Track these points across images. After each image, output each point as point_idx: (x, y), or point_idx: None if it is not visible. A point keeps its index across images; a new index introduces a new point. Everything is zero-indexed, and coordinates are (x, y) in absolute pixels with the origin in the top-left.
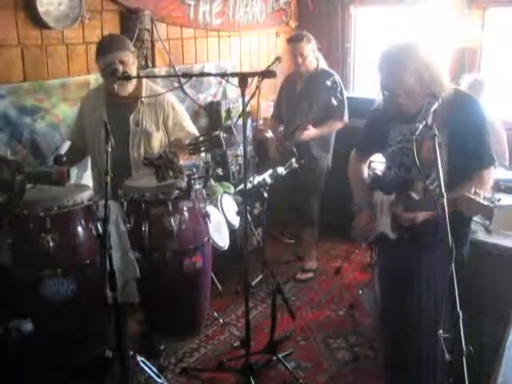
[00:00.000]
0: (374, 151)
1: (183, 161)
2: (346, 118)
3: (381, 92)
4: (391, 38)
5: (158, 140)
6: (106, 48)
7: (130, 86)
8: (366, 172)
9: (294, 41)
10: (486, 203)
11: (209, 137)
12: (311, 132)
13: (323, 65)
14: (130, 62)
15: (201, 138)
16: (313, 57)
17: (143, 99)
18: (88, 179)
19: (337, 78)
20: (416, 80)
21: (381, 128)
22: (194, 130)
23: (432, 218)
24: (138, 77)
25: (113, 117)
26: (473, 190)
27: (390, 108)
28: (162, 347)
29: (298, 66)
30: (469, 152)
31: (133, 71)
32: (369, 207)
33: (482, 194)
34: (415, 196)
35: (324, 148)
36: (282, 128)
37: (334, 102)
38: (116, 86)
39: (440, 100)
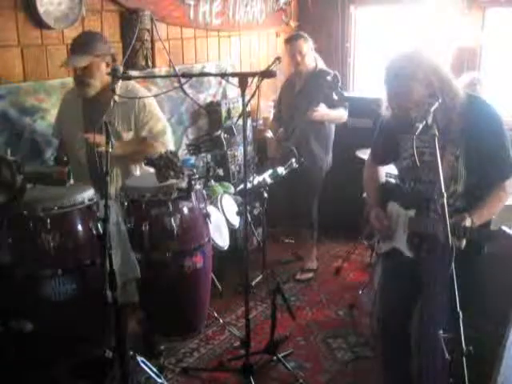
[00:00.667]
0: (389, 161)
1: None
2: (347, 111)
3: (389, 106)
4: (390, 38)
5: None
6: (72, 48)
7: (93, 89)
8: (383, 177)
9: (291, 40)
10: None
11: (210, 137)
12: (323, 110)
13: (322, 65)
14: (95, 65)
15: (202, 139)
16: (311, 56)
17: (116, 98)
18: None
19: (337, 73)
20: (426, 88)
21: (391, 139)
22: (164, 139)
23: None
24: (138, 77)
25: (87, 117)
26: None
27: (401, 120)
28: (162, 347)
29: (297, 65)
30: (488, 162)
31: (101, 74)
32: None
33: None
34: (463, 222)
35: (324, 148)
36: (281, 129)
37: (335, 96)
38: (116, 87)
39: (452, 106)
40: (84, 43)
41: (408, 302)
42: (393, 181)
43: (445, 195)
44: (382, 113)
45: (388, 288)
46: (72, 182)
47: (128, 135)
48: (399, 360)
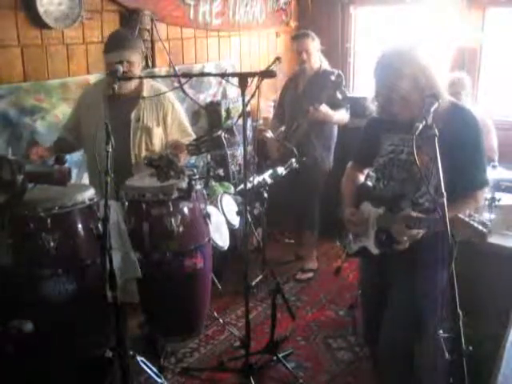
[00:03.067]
0: (369, 161)
1: (183, 161)
2: (349, 112)
3: (375, 98)
4: (390, 38)
5: (158, 136)
6: (117, 43)
7: (132, 84)
8: (361, 180)
9: (299, 37)
10: (480, 227)
11: (210, 137)
12: (325, 109)
13: (326, 66)
14: (137, 62)
15: (202, 139)
16: (317, 56)
17: (145, 96)
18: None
19: (341, 73)
20: (412, 85)
21: (374, 137)
22: (191, 132)
23: (425, 234)
24: (138, 77)
25: (114, 114)
26: (467, 213)
27: (384, 116)
28: (162, 347)
29: (303, 63)
30: (461, 170)
31: (137, 72)
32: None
33: (477, 218)
34: (415, 214)
35: (325, 148)
36: (282, 128)
37: (339, 96)
38: (116, 87)
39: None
40: (129, 39)
41: (381, 305)
42: (369, 183)
43: (445, 195)
44: (369, 107)
45: (364, 289)
46: (73, 181)
47: (158, 130)
48: (386, 364)
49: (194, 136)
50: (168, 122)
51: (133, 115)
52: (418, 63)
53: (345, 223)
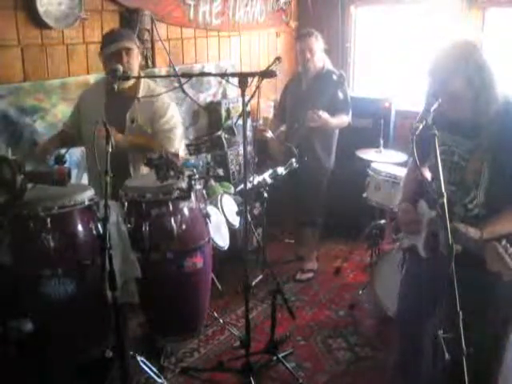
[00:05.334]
0: (427, 158)
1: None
2: (350, 115)
3: (428, 96)
4: (390, 38)
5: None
6: (114, 36)
7: (130, 81)
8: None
9: (303, 36)
10: (511, 264)
11: (210, 137)
12: (324, 116)
13: (329, 66)
14: (135, 52)
15: (202, 139)
16: (320, 55)
17: (140, 97)
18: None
19: (343, 73)
20: (464, 83)
21: (426, 134)
22: (177, 144)
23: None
24: (138, 77)
25: (111, 114)
26: (503, 243)
27: (438, 115)
28: (162, 347)
29: (306, 62)
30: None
31: (135, 67)
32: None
33: (511, 250)
34: (460, 227)
35: (327, 148)
36: (283, 128)
37: (341, 95)
38: (116, 86)
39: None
40: (125, 33)
41: (427, 302)
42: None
43: (445, 195)
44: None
45: (408, 287)
46: (72, 181)
47: (152, 132)
48: (415, 361)
49: (176, 150)
50: (155, 126)
51: (127, 116)
52: (474, 61)
53: (399, 216)
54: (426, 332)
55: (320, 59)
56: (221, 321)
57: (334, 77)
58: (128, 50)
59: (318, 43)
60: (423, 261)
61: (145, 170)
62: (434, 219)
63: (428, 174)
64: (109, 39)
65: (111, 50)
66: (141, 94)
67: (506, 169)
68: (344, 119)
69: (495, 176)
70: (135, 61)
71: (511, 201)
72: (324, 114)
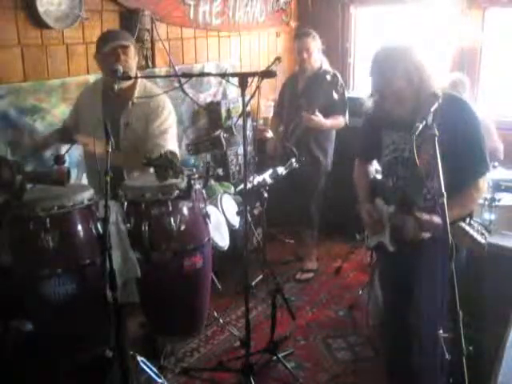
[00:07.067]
0: (374, 157)
1: None
2: (347, 115)
3: (370, 95)
4: (390, 37)
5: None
6: (109, 36)
7: (126, 82)
8: (371, 174)
9: (300, 36)
10: (479, 238)
11: (209, 137)
12: (318, 118)
13: (326, 66)
14: (132, 52)
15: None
16: (317, 55)
17: (134, 99)
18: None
19: (337, 73)
20: (405, 82)
21: (374, 134)
22: (171, 146)
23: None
24: (138, 77)
25: (107, 116)
26: (467, 220)
27: (381, 113)
28: (162, 347)
29: (303, 62)
30: (462, 160)
31: (133, 65)
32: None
33: (476, 226)
34: (422, 216)
35: (323, 149)
36: (282, 127)
37: (335, 95)
38: (116, 87)
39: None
40: (120, 32)
41: (403, 297)
42: (379, 177)
43: (445, 195)
44: (366, 104)
45: (383, 284)
46: (72, 181)
47: (145, 135)
48: (400, 358)
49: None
50: (149, 128)
51: (121, 119)
52: (412, 60)
53: (362, 218)
54: (409, 327)
55: (317, 59)
56: (221, 321)
57: (328, 77)
58: (125, 49)
59: (315, 43)
60: (391, 256)
61: (137, 173)
62: (392, 214)
63: (374, 170)
64: (104, 39)
65: (107, 49)
66: (137, 94)
67: (455, 154)
68: (340, 120)
69: (445, 165)
70: (133, 60)
71: (461, 183)
72: (317, 116)
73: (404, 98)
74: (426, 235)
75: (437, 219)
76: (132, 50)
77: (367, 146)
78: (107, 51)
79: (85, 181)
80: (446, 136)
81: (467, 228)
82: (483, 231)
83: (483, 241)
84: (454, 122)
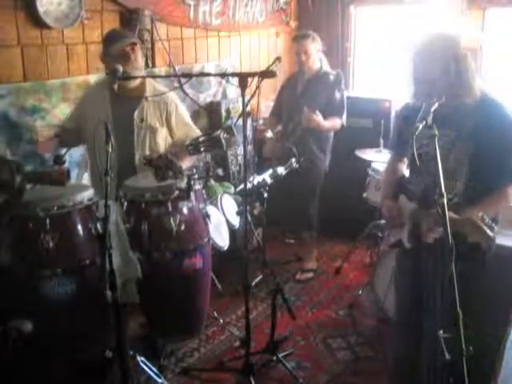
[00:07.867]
0: (405, 153)
1: (189, 162)
2: (344, 117)
3: (410, 83)
4: (390, 38)
5: (162, 137)
6: (117, 35)
7: (136, 81)
8: (402, 171)
9: (299, 38)
10: (488, 231)
11: (209, 137)
12: (318, 118)
13: (326, 67)
14: (140, 49)
15: (201, 139)
16: (316, 57)
17: (148, 96)
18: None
19: (340, 72)
20: (441, 71)
21: (405, 130)
22: (195, 129)
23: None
24: (138, 77)
25: (117, 114)
26: (480, 214)
27: (417, 102)
28: (162, 347)
29: (301, 64)
30: (494, 164)
31: (141, 64)
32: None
33: (487, 220)
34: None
35: (323, 149)
36: (279, 128)
37: (338, 95)
38: (115, 87)
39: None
40: (126, 31)
41: (418, 297)
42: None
43: (445, 195)
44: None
45: (399, 282)
46: (72, 181)
47: (162, 130)
48: (408, 359)
49: (198, 132)
50: (172, 122)
51: (136, 115)
52: (452, 50)
53: (383, 214)
54: (420, 328)
55: (316, 60)
56: (221, 321)
57: (331, 77)
58: (134, 46)
59: (313, 45)
60: (409, 256)
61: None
62: (414, 210)
63: (405, 168)
64: (111, 39)
65: (117, 49)
66: (148, 93)
67: (485, 161)
68: (337, 122)
69: (475, 167)
70: (140, 58)
71: (489, 187)
72: (317, 117)
73: (436, 87)
74: (436, 235)
75: (454, 215)
76: (139, 48)
77: (399, 142)
78: (117, 51)
79: (85, 181)
80: (481, 138)
81: (478, 222)
82: (492, 224)
83: (491, 233)
84: (488, 124)
